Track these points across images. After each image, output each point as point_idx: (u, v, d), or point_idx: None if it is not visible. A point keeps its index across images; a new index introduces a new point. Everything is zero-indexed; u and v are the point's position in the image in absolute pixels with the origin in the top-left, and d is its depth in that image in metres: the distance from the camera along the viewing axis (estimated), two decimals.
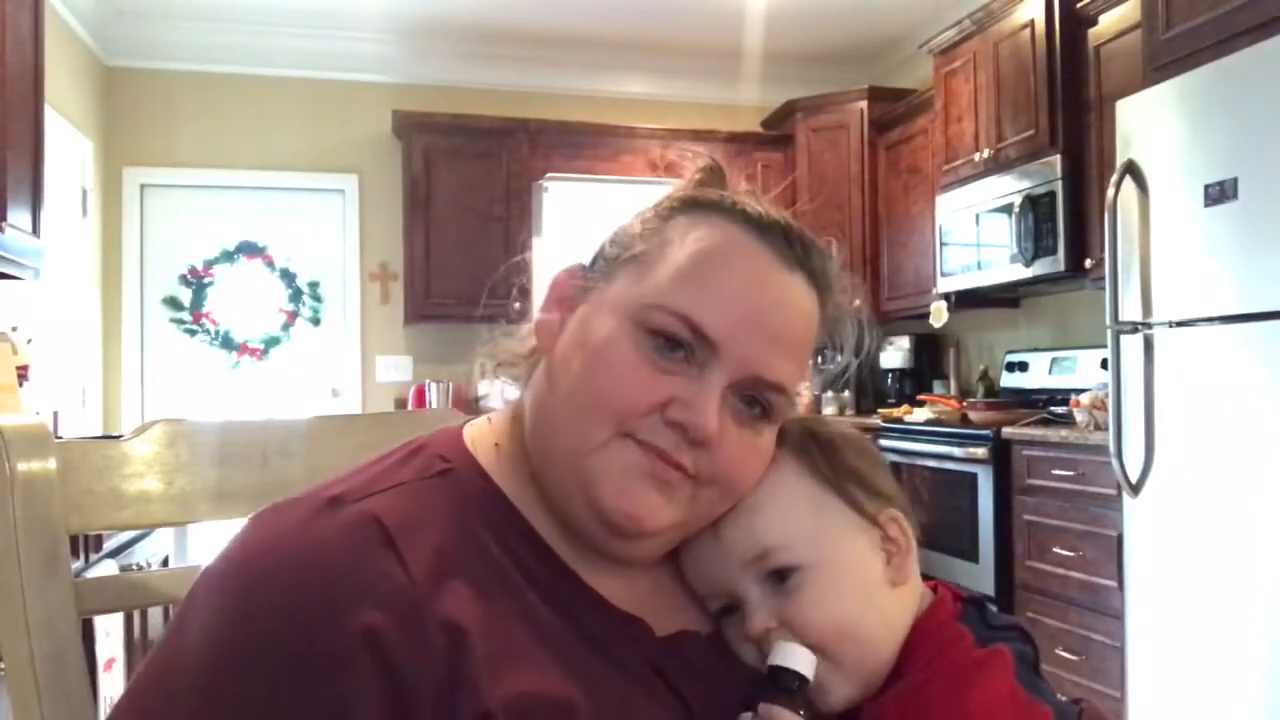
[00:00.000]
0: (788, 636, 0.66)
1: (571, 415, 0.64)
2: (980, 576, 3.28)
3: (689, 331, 0.63)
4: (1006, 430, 3.26)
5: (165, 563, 2.42)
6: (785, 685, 0.64)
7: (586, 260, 0.72)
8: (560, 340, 0.68)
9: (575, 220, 4.33)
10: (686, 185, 0.74)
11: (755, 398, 0.65)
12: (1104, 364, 3.06)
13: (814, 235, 0.72)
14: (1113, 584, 2.72)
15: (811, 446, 0.72)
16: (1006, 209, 3.60)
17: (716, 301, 0.63)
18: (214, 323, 4.77)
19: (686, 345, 0.63)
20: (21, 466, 0.75)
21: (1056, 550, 2.95)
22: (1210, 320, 2.29)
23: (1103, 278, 2.63)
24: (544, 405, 0.67)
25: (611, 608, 0.66)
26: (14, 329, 2.89)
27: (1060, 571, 2.95)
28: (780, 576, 0.67)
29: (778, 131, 5.10)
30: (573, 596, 0.65)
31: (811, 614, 0.66)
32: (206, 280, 4.78)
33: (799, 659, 0.65)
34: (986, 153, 3.75)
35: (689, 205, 0.69)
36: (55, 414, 3.44)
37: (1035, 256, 3.46)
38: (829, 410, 4.67)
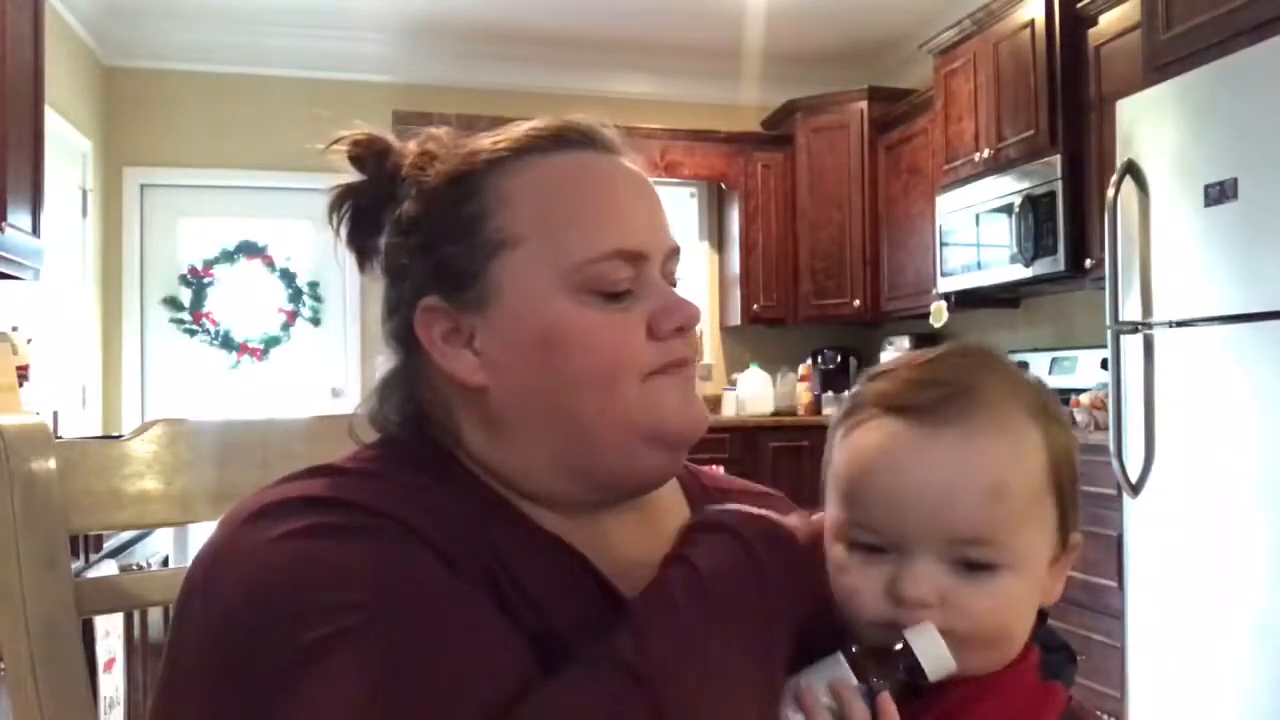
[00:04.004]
0: (936, 618, 0.59)
1: (594, 398, 0.65)
2: None
3: (624, 261, 0.66)
4: None
5: (165, 563, 2.41)
6: (896, 667, 0.58)
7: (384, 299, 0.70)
8: (497, 362, 0.66)
9: None
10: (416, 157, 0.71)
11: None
12: (1104, 364, 3.05)
13: (582, 117, 0.71)
14: (1113, 584, 2.72)
15: (1051, 422, 0.63)
16: (1006, 209, 3.60)
17: (618, 222, 0.66)
18: (214, 323, 4.77)
19: (624, 281, 0.66)
20: (21, 467, 0.75)
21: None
22: (1210, 320, 2.29)
23: (1103, 278, 2.63)
24: (535, 411, 0.66)
25: (610, 584, 0.66)
26: (14, 329, 2.89)
27: None
28: (971, 564, 0.60)
29: (778, 131, 5.10)
30: (574, 578, 0.65)
31: (983, 614, 0.60)
32: (206, 280, 4.78)
33: (937, 660, 0.58)
34: (986, 153, 3.75)
35: (496, 163, 0.68)
36: (55, 414, 3.43)
37: (1035, 256, 3.46)
38: (829, 410, 4.66)
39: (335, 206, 0.72)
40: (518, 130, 0.69)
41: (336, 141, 0.71)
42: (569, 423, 0.65)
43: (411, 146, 0.71)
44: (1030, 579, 0.62)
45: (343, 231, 0.72)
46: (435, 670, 0.52)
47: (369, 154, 0.71)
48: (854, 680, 0.57)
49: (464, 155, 0.69)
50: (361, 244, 0.72)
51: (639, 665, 0.54)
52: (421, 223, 0.67)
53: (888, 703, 0.57)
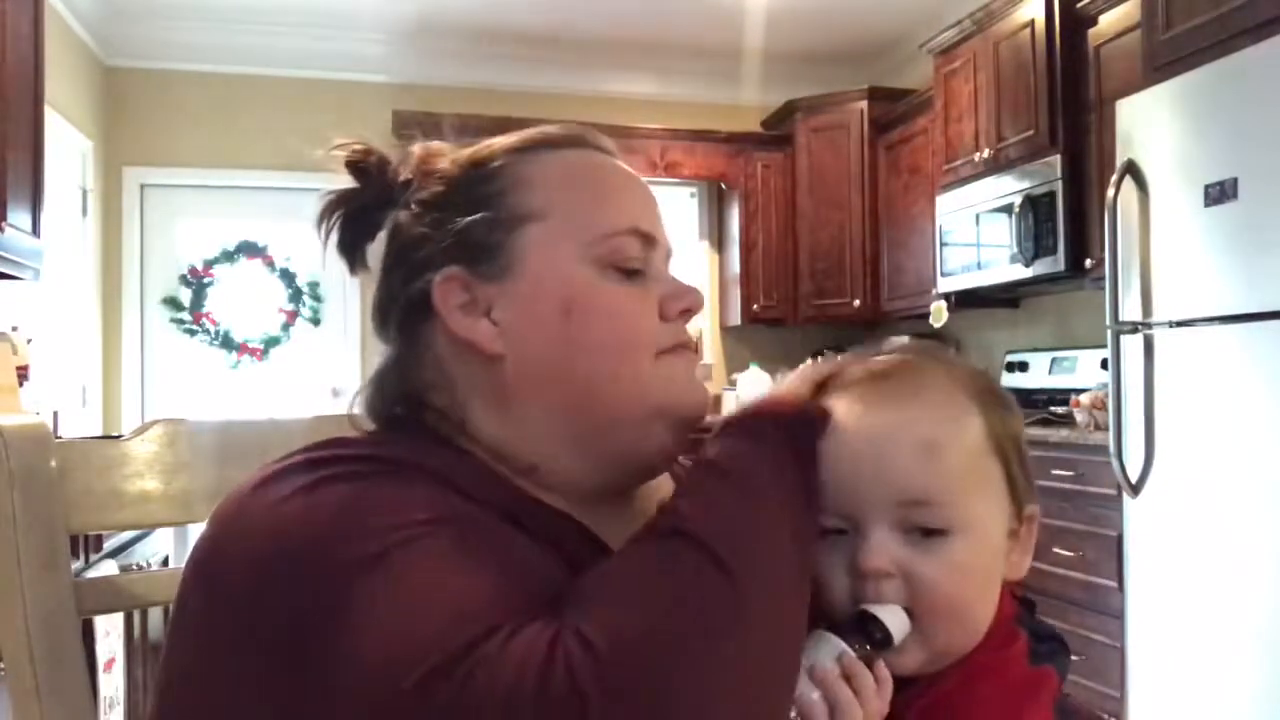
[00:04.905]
0: (898, 591, 0.62)
1: (610, 368, 0.66)
2: None
3: (639, 241, 0.69)
4: None
5: (165, 563, 2.41)
6: (868, 634, 0.61)
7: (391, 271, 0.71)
8: (515, 331, 0.67)
9: None
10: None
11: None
12: (1104, 364, 3.06)
13: (579, 127, 0.75)
14: (1113, 584, 2.72)
15: (992, 402, 0.67)
16: (1006, 209, 3.60)
17: (632, 206, 0.71)
18: (214, 323, 4.77)
19: (638, 260, 0.69)
20: (21, 466, 0.75)
21: (1056, 550, 2.95)
22: (1210, 320, 2.29)
23: (1103, 278, 2.63)
24: (550, 380, 0.66)
25: None
26: (14, 329, 2.89)
27: (1060, 571, 2.95)
28: (925, 531, 0.63)
29: (778, 131, 5.10)
30: (589, 548, 0.65)
31: (940, 579, 0.62)
32: (206, 280, 4.78)
33: (896, 621, 0.62)
34: (986, 153, 3.75)
35: (515, 153, 0.71)
36: (55, 414, 3.44)
37: (1035, 256, 3.46)
38: None
39: (326, 213, 0.73)
40: (529, 130, 0.73)
41: (337, 147, 0.72)
42: (583, 392, 0.66)
43: (415, 150, 0.73)
44: (984, 547, 0.65)
45: (333, 237, 0.73)
46: (487, 567, 0.53)
47: (369, 162, 0.72)
48: (851, 652, 0.60)
49: (480, 147, 0.72)
50: (354, 247, 0.74)
51: (706, 535, 0.54)
52: (441, 201, 0.69)
53: (883, 669, 0.60)
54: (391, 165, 0.73)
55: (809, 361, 0.68)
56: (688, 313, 0.71)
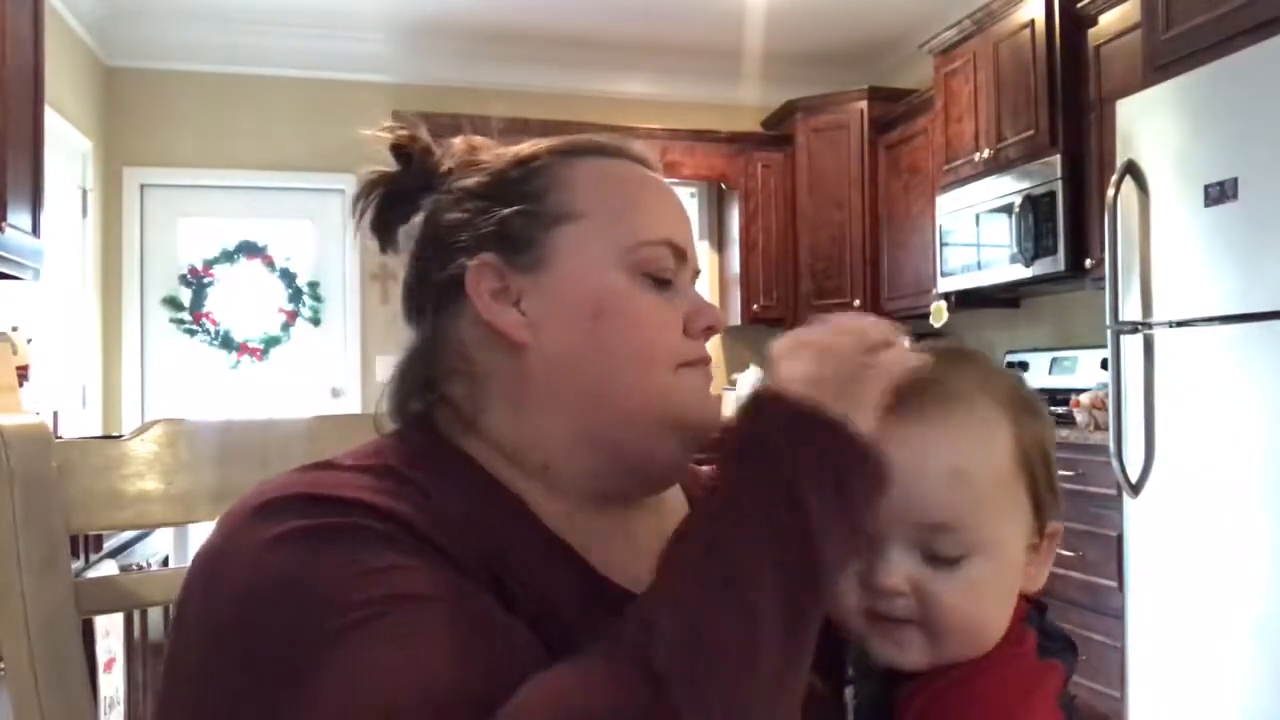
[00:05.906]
0: (911, 608, 0.62)
1: (630, 373, 0.67)
2: None
3: (672, 253, 0.70)
4: None
5: (165, 563, 2.42)
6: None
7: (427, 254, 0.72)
8: (542, 324, 0.67)
9: None
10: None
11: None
12: (1104, 364, 3.06)
13: (623, 138, 0.77)
14: (1113, 584, 2.72)
15: (1024, 412, 0.66)
16: (1006, 209, 3.60)
17: (668, 218, 0.72)
18: (214, 323, 4.77)
19: (670, 271, 0.70)
20: (21, 467, 0.75)
21: (1057, 550, 2.95)
22: (1210, 320, 2.29)
23: (1103, 278, 2.63)
24: (568, 377, 0.67)
25: (615, 587, 0.66)
26: (14, 329, 2.89)
27: (1060, 571, 2.95)
28: (941, 552, 0.62)
29: (778, 131, 5.10)
30: (576, 581, 0.65)
31: (956, 601, 0.62)
32: (206, 280, 4.78)
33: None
34: (986, 153, 3.75)
35: (559, 154, 0.72)
36: (55, 414, 3.44)
37: (1035, 256, 3.46)
38: None
39: (365, 191, 0.75)
40: (574, 136, 0.74)
41: (384, 129, 0.74)
42: (600, 393, 0.67)
43: (458, 141, 0.75)
44: (1003, 567, 0.64)
45: (369, 215, 0.75)
46: (440, 662, 0.52)
47: (413, 147, 0.74)
48: None
49: (525, 145, 0.73)
50: (388, 227, 0.75)
51: (652, 656, 0.50)
52: (482, 190, 0.70)
53: None
54: (435, 153, 0.74)
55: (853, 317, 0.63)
56: (710, 330, 0.72)
